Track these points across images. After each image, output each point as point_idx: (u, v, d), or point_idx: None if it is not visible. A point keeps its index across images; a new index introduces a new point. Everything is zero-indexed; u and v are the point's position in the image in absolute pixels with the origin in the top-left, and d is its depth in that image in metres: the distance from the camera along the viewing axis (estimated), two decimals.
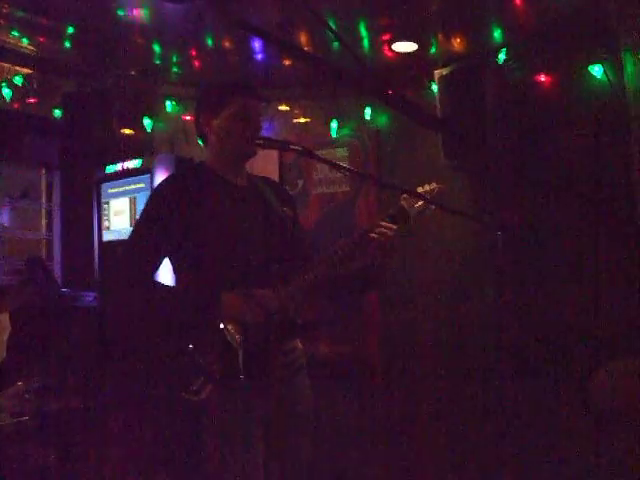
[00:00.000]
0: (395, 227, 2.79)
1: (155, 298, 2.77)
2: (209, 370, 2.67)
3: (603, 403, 3.26)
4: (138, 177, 4.92)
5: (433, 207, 2.83)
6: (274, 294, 2.69)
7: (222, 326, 2.66)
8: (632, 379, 3.20)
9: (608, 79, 3.64)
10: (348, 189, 4.54)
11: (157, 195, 2.86)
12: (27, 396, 4.04)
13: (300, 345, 2.93)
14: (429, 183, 2.88)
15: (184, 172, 3.23)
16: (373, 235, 2.75)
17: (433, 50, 4.15)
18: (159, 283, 2.78)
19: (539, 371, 3.80)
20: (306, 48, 4.02)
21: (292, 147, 2.71)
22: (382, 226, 2.77)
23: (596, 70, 3.70)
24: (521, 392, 3.81)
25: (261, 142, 2.80)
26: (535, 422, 3.80)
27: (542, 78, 3.87)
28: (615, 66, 3.64)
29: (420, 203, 2.83)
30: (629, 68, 3.58)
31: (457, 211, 2.74)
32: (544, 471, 3.75)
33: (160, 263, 2.80)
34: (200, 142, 3.00)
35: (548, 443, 3.76)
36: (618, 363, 3.41)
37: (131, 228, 4.72)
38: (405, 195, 2.85)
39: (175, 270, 2.86)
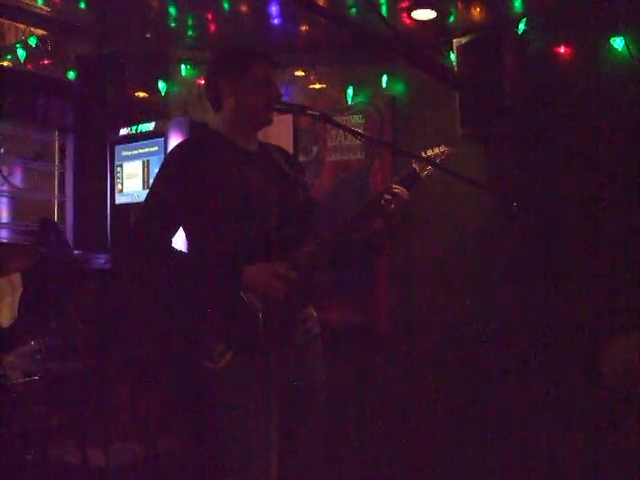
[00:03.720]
0: (407, 190, 2.78)
1: (172, 264, 2.76)
2: (229, 337, 2.67)
3: (614, 378, 3.26)
4: (152, 140, 4.91)
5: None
6: (292, 266, 2.69)
7: (242, 294, 2.66)
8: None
9: (629, 52, 3.59)
10: (363, 157, 4.50)
11: (172, 159, 2.85)
12: (38, 356, 4.06)
13: (315, 313, 2.94)
14: (438, 146, 2.86)
15: (197, 137, 3.22)
16: (386, 197, 2.74)
17: (452, 19, 4.10)
18: (176, 249, 2.77)
19: (546, 349, 3.79)
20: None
21: (309, 112, 2.70)
22: (394, 189, 2.76)
23: (617, 42, 3.65)
24: (526, 367, 3.82)
25: (279, 106, 2.79)
26: (539, 397, 3.79)
27: (562, 50, 3.81)
28: (637, 39, 3.59)
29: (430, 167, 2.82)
30: None
31: (468, 179, 2.72)
32: (547, 446, 3.76)
33: (177, 229, 2.80)
34: (211, 106, 2.97)
35: (551, 419, 3.76)
36: (627, 337, 3.41)
37: (144, 191, 4.79)
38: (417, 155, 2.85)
39: (188, 236, 2.86)
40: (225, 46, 3.00)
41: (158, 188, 2.81)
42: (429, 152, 2.86)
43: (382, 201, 2.75)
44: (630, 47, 3.60)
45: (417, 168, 2.82)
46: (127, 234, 3.08)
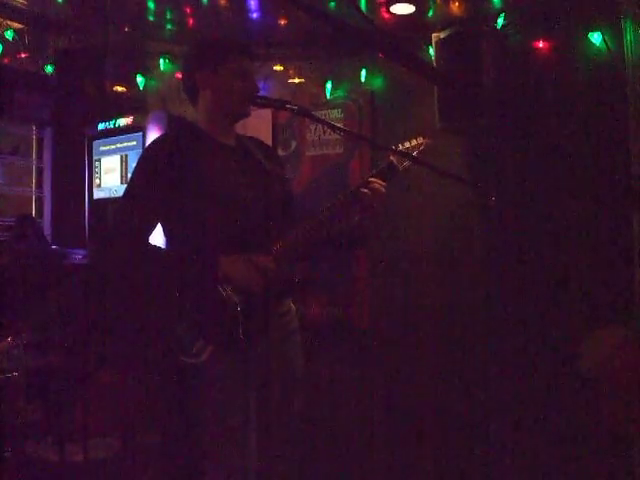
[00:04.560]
0: (384, 182, 2.78)
1: (151, 260, 2.75)
2: (208, 332, 2.67)
3: (593, 370, 3.28)
4: (130, 135, 4.88)
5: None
6: (271, 258, 2.69)
7: (220, 289, 2.65)
8: (620, 346, 3.22)
9: (607, 47, 3.61)
10: (342, 151, 4.51)
11: (149, 154, 2.84)
12: (16, 352, 4.04)
13: (294, 307, 2.94)
14: (416, 137, 2.86)
15: (175, 131, 3.21)
16: (363, 190, 2.74)
17: (431, 13, 4.10)
18: (154, 245, 2.76)
19: (525, 342, 3.81)
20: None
21: (288, 106, 2.70)
22: (372, 182, 2.76)
23: (595, 37, 3.67)
24: (510, 356, 3.84)
25: (258, 100, 2.79)
26: (519, 388, 3.81)
27: (540, 44, 3.83)
28: (614, 34, 3.61)
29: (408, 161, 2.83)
30: (629, 36, 3.55)
31: (446, 172, 2.73)
32: (524, 432, 3.79)
33: (155, 223, 2.78)
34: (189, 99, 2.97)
35: (529, 408, 3.79)
36: (606, 330, 3.43)
37: (122, 186, 4.76)
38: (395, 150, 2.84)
39: (166, 231, 2.84)
40: (201, 39, 2.98)
41: (135, 183, 2.79)
42: (407, 144, 2.86)
43: (360, 194, 2.75)
44: (608, 42, 3.62)
45: (395, 161, 2.82)
46: (106, 230, 3.07)
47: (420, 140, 2.87)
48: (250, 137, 3.08)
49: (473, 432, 3.95)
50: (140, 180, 2.78)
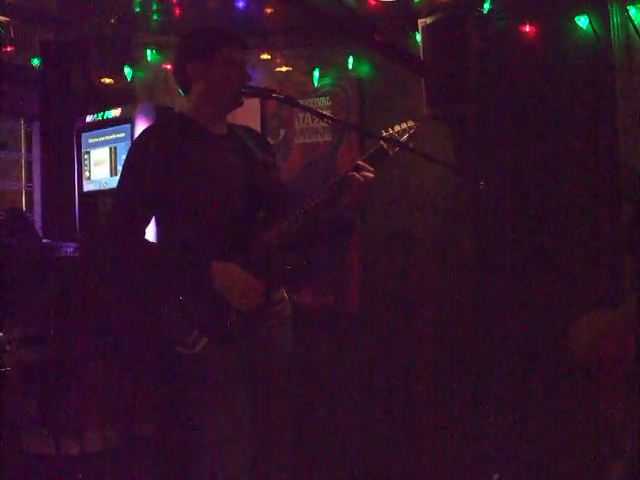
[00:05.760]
0: (374, 167, 2.78)
1: (146, 255, 2.77)
2: (202, 324, 2.68)
3: (581, 355, 3.29)
4: (119, 127, 4.85)
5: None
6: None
7: None
8: (608, 331, 3.23)
9: (594, 30, 3.61)
10: (330, 139, 4.50)
11: (138, 146, 2.84)
12: (8, 347, 4.04)
13: (286, 296, 2.95)
14: (406, 121, 2.87)
15: (164, 122, 3.21)
16: (352, 175, 2.74)
17: None
18: (148, 242, 2.78)
19: (514, 326, 3.82)
20: None
21: (275, 95, 2.70)
22: (361, 166, 2.77)
23: (582, 21, 3.67)
24: (501, 337, 3.85)
25: (245, 90, 2.79)
26: (509, 372, 3.83)
27: (527, 28, 3.82)
28: (601, 17, 3.61)
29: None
30: (615, 19, 3.55)
31: (438, 160, 2.73)
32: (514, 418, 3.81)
33: (150, 216, 2.80)
34: (181, 91, 2.97)
35: (519, 392, 3.81)
36: (594, 315, 3.44)
37: (112, 178, 4.75)
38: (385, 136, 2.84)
39: (158, 222, 2.86)
40: (193, 29, 2.97)
41: (125, 178, 2.80)
42: (396, 127, 2.87)
43: (349, 178, 2.75)
44: (595, 26, 3.62)
45: (385, 145, 2.82)
46: (99, 226, 3.08)
47: (410, 124, 2.87)
48: (243, 126, 3.09)
49: (465, 418, 3.97)
50: (131, 174, 2.80)
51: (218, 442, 2.72)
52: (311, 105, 4.35)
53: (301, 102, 2.93)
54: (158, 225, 2.87)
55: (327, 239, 3.31)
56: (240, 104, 2.89)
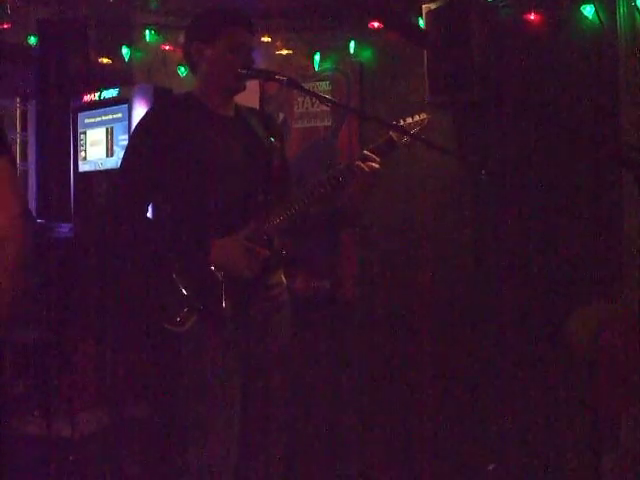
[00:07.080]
0: (381, 158, 2.77)
1: (142, 234, 2.75)
2: (193, 301, 2.66)
3: (580, 347, 3.28)
4: (115, 107, 4.82)
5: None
6: (264, 234, 2.67)
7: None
8: (607, 323, 3.23)
9: (600, 20, 3.58)
10: (330, 123, 4.47)
11: (142, 127, 2.83)
12: None
13: (284, 280, 2.93)
14: (419, 113, 2.85)
15: (169, 103, 3.21)
16: (358, 164, 2.73)
17: None
18: (149, 220, 2.77)
19: (513, 317, 3.82)
20: None
21: (277, 77, 2.68)
22: (367, 156, 2.75)
23: (587, 10, 3.63)
24: (499, 326, 3.84)
25: (246, 72, 2.76)
26: (506, 362, 3.82)
27: (532, 17, 3.78)
28: (607, 7, 3.58)
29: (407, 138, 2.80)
30: (622, 9, 3.52)
31: (445, 149, 2.71)
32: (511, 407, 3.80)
33: (150, 197, 2.79)
34: (179, 73, 2.94)
35: (517, 382, 3.80)
36: (593, 307, 3.44)
37: (108, 159, 4.72)
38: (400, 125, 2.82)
39: (161, 202, 2.85)
40: (201, 10, 2.93)
41: (128, 159, 2.79)
42: (408, 120, 2.85)
43: (354, 167, 2.73)
44: (600, 15, 3.58)
45: (394, 136, 2.79)
46: (98, 204, 3.06)
47: (423, 116, 2.85)
48: (251, 108, 3.08)
49: (462, 405, 3.96)
50: (133, 154, 2.79)
51: (206, 424, 2.71)
52: (311, 89, 4.32)
53: (303, 86, 2.90)
54: (158, 209, 2.86)
55: (328, 227, 3.30)
56: (242, 89, 2.86)
